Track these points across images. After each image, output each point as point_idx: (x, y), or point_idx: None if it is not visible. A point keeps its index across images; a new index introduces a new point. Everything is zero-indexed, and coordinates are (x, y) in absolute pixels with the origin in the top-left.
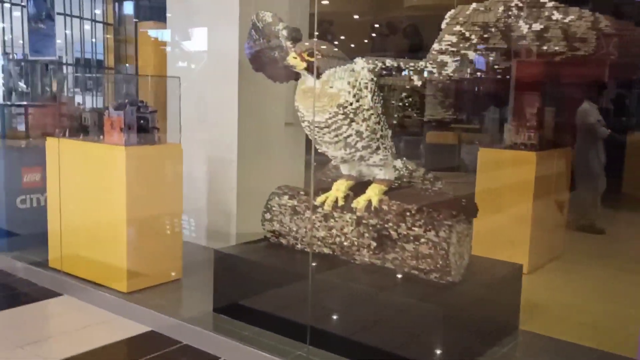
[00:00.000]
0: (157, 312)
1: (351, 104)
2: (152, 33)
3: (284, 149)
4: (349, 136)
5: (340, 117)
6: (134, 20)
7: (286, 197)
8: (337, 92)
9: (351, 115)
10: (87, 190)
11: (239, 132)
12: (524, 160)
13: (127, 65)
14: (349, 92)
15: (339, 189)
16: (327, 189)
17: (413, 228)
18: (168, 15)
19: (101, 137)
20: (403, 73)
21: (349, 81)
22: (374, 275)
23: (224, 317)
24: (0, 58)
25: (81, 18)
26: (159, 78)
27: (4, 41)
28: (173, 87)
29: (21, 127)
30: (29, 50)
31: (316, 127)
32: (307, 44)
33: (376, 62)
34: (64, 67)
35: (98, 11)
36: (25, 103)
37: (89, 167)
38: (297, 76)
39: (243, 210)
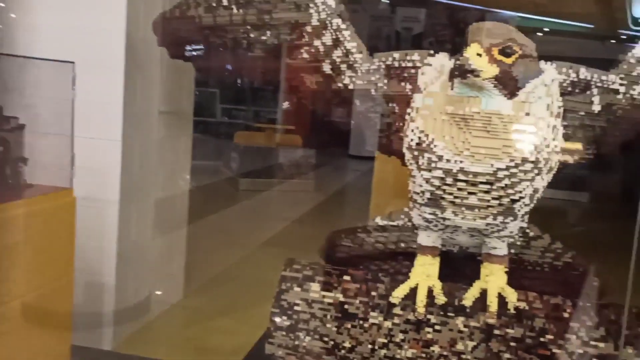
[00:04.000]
0: None
1: (547, 145)
2: None
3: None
4: (521, 198)
5: (529, 167)
6: None
7: (316, 285)
8: (535, 124)
9: (541, 165)
10: None
11: (124, 149)
12: None
13: None
14: (549, 126)
15: (429, 273)
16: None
17: (591, 343)
18: None
19: None
20: (587, 92)
21: (547, 104)
22: None
23: None
24: None
25: None
26: None
27: None
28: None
29: None
30: None
31: (462, 180)
32: (499, 33)
33: (569, 70)
34: None
35: None
36: None
37: None
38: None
39: (123, 277)
